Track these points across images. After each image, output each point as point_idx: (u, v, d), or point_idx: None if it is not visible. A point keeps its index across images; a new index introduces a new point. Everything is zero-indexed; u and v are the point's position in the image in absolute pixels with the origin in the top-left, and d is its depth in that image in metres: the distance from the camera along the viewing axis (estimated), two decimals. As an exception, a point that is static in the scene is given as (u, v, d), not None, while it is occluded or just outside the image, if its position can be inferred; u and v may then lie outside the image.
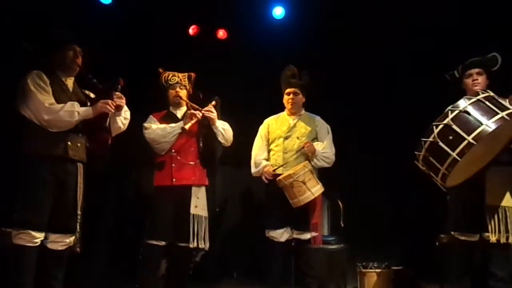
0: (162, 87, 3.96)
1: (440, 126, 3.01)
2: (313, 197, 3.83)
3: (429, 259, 4.50)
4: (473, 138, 2.90)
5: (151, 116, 3.93)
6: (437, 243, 4.29)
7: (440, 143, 2.99)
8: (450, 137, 2.96)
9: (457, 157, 2.92)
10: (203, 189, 3.83)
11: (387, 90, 5.04)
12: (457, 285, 3.55)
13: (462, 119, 2.97)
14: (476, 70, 3.58)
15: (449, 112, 3.02)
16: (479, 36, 4.36)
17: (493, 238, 3.34)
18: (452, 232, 3.57)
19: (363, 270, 4.20)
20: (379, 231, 4.94)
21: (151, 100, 4.10)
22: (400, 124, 3.92)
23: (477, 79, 3.56)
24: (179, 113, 3.95)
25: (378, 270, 4.16)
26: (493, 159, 3.25)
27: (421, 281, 4.36)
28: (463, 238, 3.51)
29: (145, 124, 3.86)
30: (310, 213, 3.92)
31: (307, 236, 3.96)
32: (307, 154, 4.00)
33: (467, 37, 4.43)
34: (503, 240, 3.34)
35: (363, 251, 4.56)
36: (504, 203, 3.38)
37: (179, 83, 3.93)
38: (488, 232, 3.36)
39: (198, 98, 3.97)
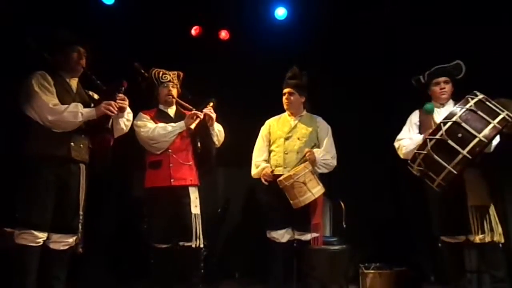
0: (151, 84, 3.89)
1: (449, 123, 3.02)
2: (313, 197, 3.82)
3: (431, 260, 4.50)
4: (483, 137, 2.93)
5: (141, 113, 3.84)
6: (439, 244, 4.28)
7: (449, 141, 3.00)
8: (459, 135, 2.97)
9: (468, 155, 2.96)
10: (196, 188, 3.84)
11: (388, 90, 5.03)
12: (457, 287, 3.54)
13: (473, 117, 3.01)
14: (443, 78, 3.65)
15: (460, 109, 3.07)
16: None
17: (476, 239, 3.34)
18: (441, 237, 3.59)
19: (365, 271, 4.19)
20: (381, 231, 4.93)
21: (138, 97, 4.03)
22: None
23: (444, 88, 3.64)
24: (171, 111, 3.91)
25: (380, 271, 4.15)
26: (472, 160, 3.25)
27: (423, 282, 4.36)
28: (449, 240, 3.54)
29: (138, 122, 3.77)
30: (311, 213, 3.92)
31: (308, 237, 3.96)
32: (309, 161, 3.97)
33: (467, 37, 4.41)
34: (487, 239, 3.34)
35: (365, 251, 4.57)
36: (485, 202, 3.41)
37: (171, 81, 3.89)
38: (471, 233, 3.36)
39: (186, 98, 3.95)
